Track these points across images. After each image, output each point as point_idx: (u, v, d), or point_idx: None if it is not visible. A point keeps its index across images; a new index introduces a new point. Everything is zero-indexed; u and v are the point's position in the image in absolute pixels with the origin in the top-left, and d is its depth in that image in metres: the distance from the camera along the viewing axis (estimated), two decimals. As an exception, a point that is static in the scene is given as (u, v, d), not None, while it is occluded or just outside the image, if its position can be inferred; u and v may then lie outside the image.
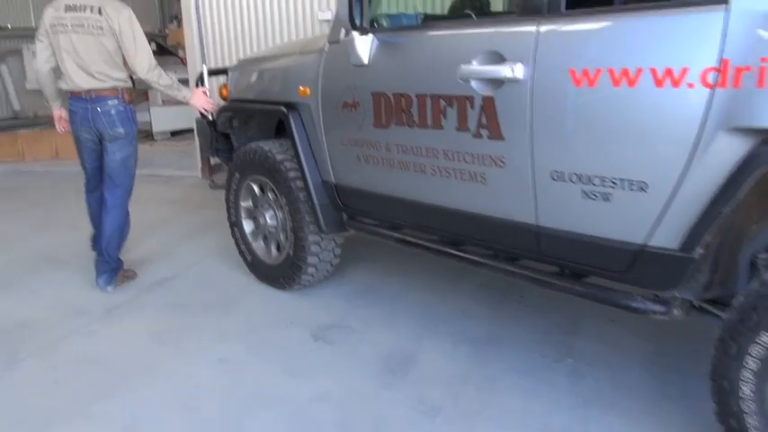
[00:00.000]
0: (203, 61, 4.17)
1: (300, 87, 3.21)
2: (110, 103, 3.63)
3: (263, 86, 3.58)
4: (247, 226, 3.90)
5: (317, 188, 3.30)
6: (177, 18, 14.19)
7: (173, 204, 5.91)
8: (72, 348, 3.20)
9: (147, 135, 10.25)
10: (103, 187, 3.89)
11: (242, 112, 3.90)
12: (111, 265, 3.89)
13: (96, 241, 4.03)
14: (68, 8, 3.52)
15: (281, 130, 4.03)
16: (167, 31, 13.91)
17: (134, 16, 3.62)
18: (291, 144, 3.39)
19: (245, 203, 3.87)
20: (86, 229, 5.14)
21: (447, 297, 3.60)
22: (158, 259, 4.43)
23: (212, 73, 4.21)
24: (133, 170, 3.87)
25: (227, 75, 4.00)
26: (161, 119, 9.81)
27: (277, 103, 3.41)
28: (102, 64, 3.58)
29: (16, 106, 9.91)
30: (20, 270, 4.29)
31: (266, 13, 6.26)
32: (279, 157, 3.48)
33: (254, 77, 3.68)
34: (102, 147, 3.78)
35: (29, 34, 10.54)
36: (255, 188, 3.77)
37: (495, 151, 2.34)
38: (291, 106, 3.32)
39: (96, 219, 4.08)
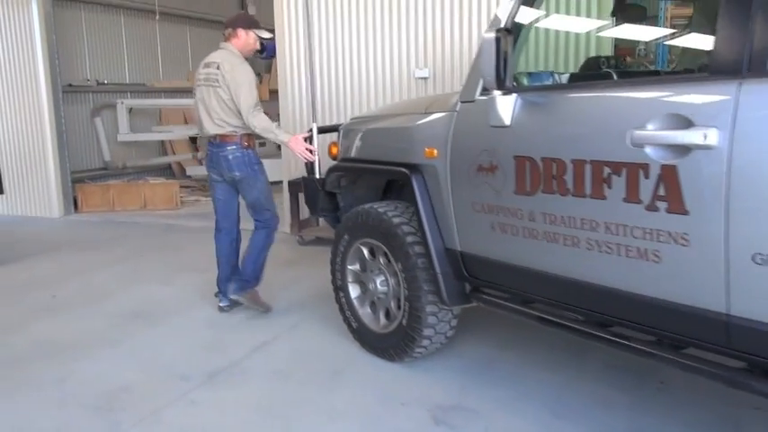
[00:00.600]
0: (313, 120, 4.05)
1: (426, 148, 2.99)
2: (228, 148, 4.04)
3: (381, 146, 3.39)
4: (354, 291, 3.65)
5: (440, 256, 3.04)
6: (260, 75, 14.57)
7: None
8: (176, 419, 2.98)
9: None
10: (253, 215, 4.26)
11: (355, 172, 3.71)
12: (243, 278, 4.23)
13: (221, 282, 4.33)
14: (204, 65, 4.13)
15: (388, 191, 3.85)
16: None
17: (245, 68, 4.02)
18: (412, 207, 3.15)
19: (353, 267, 3.64)
20: (178, 285, 5.06)
21: (574, 378, 3.23)
22: (256, 319, 4.23)
23: (322, 131, 4.07)
24: (268, 203, 4.20)
25: (337, 133, 3.84)
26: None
27: (397, 164, 3.20)
28: (221, 112, 4.00)
29: (107, 157, 10.14)
30: (117, 328, 4.15)
31: (362, 72, 6.18)
32: (396, 220, 3.25)
33: (368, 137, 3.50)
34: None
35: (123, 89, 11.03)
36: (365, 252, 3.54)
37: (675, 227, 2.02)
38: (414, 168, 3.10)
39: (223, 260, 4.34)
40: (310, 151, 3.94)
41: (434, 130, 2.97)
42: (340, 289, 3.70)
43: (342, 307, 3.71)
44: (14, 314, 4.46)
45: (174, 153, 11.76)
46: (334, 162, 3.81)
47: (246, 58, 4.16)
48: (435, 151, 2.94)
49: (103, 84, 10.43)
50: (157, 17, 10.74)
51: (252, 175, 4.09)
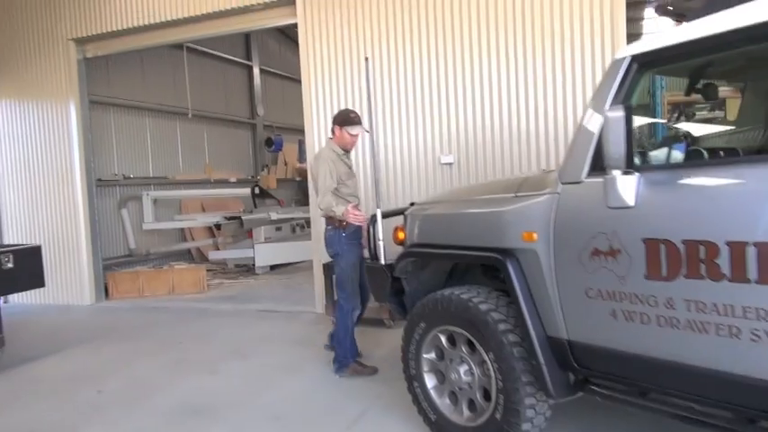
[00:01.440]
0: (377, 205, 3.59)
1: (524, 232, 2.53)
2: (327, 227, 4.16)
3: (465, 231, 2.91)
4: (430, 380, 3.09)
5: (542, 345, 2.52)
6: (267, 166, 14.26)
7: (301, 345, 5.13)
8: None
9: (249, 269, 9.75)
10: None
11: (431, 257, 3.22)
12: (338, 359, 4.22)
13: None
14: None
15: (451, 276, 3.37)
16: (259, 177, 13.88)
17: (323, 158, 4.11)
18: (495, 293, 2.67)
19: (429, 355, 3.09)
20: (225, 374, 4.48)
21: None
22: (321, 408, 3.60)
23: (386, 216, 3.61)
24: (344, 285, 4.13)
25: (403, 218, 3.38)
26: (263, 254, 9.31)
27: (487, 248, 2.73)
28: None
29: (132, 245, 9.54)
30: (176, 427, 3.50)
31: (389, 157, 5.81)
32: (483, 307, 2.74)
33: (447, 222, 3.03)
34: None
35: (147, 182, 10.55)
36: (444, 340, 3.01)
37: None
38: (508, 252, 2.62)
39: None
40: (370, 232, 3.53)
41: (532, 212, 2.52)
42: (414, 378, 3.14)
43: (416, 397, 3.13)
44: (65, 418, 3.76)
45: (192, 239, 11.19)
46: (401, 247, 3.34)
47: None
48: (535, 235, 2.48)
49: (130, 178, 9.95)
50: (190, 115, 10.46)
51: (340, 252, 4.10)
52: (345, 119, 4.18)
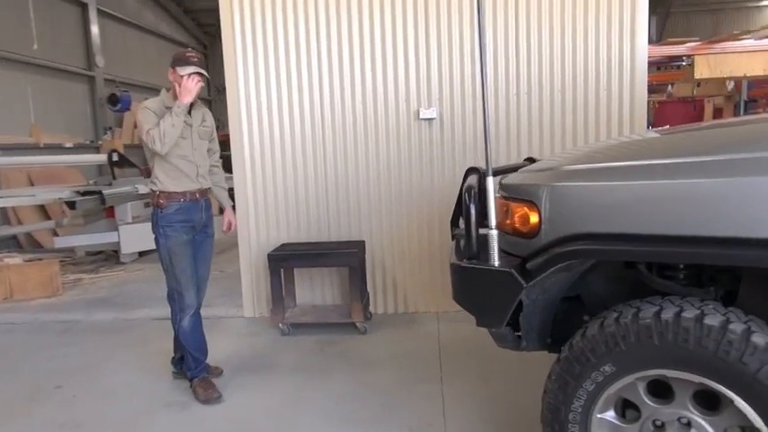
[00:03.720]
0: (487, 172, 2.07)
1: None
2: None
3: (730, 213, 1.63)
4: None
5: None
6: (111, 129, 11.49)
7: (267, 372, 3.50)
8: None
9: (108, 257, 7.46)
10: None
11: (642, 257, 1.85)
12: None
13: None
14: None
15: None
16: (100, 142, 11.12)
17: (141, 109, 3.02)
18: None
19: (605, 415, 1.83)
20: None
21: None
22: None
23: (499, 173, 2.21)
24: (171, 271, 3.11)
25: (531, 191, 1.99)
26: (131, 238, 7.09)
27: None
28: None
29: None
30: None
31: (356, 112, 4.31)
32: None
33: (669, 197, 1.71)
34: None
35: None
36: (641, 391, 1.76)
37: None
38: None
39: None
40: (470, 211, 2.05)
41: None
42: None
43: None
44: None
45: (19, 222, 8.42)
46: (522, 237, 1.97)
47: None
48: None
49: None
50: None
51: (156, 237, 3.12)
52: (179, 57, 3.02)
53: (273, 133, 4.38)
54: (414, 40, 4.20)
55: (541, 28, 4.09)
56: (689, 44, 6.67)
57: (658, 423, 1.76)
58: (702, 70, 6.41)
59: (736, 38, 6.68)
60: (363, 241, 4.31)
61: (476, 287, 2.07)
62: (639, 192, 1.72)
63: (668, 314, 1.67)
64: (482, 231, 2.05)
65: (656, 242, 1.68)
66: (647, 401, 1.77)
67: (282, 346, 3.89)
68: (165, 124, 2.89)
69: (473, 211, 2.04)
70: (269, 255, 4.01)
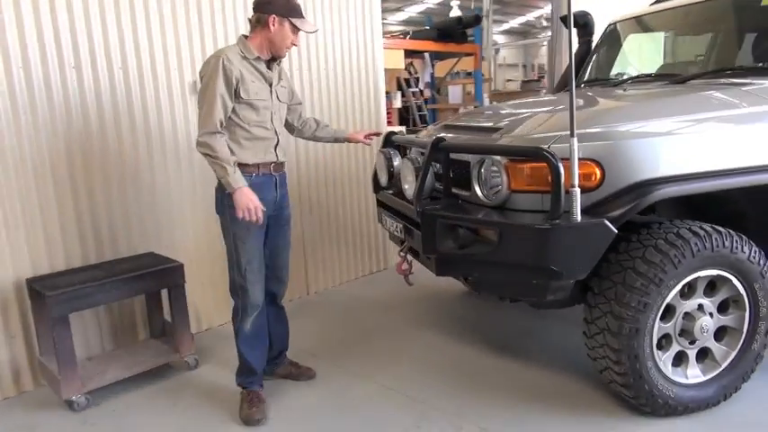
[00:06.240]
0: (571, 133, 1.92)
1: None
2: None
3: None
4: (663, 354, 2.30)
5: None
6: None
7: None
8: None
9: None
10: None
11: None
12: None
13: None
14: None
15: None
16: None
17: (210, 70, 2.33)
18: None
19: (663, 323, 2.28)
20: None
21: None
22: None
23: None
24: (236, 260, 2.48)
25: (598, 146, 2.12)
26: None
27: None
28: None
29: None
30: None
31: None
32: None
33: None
34: None
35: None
36: (678, 294, 2.29)
37: None
38: None
39: None
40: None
41: None
42: (639, 363, 2.23)
43: (640, 389, 2.27)
44: None
45: None
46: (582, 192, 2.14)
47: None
48: None
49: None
50: None
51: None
52: (292, 6, 2.40)
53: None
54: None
55: None
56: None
57: (683, 315, 2.33)
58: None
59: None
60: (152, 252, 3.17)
61: (565, 243, 2.11)
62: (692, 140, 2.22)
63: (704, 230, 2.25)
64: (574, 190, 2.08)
65: (710, 177, 2.22)
66: (680, 300, 2.32)
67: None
68: (218, 153, 2.26)
69: (561, 172, 2.07)
70: (47, 296, 2.47)
